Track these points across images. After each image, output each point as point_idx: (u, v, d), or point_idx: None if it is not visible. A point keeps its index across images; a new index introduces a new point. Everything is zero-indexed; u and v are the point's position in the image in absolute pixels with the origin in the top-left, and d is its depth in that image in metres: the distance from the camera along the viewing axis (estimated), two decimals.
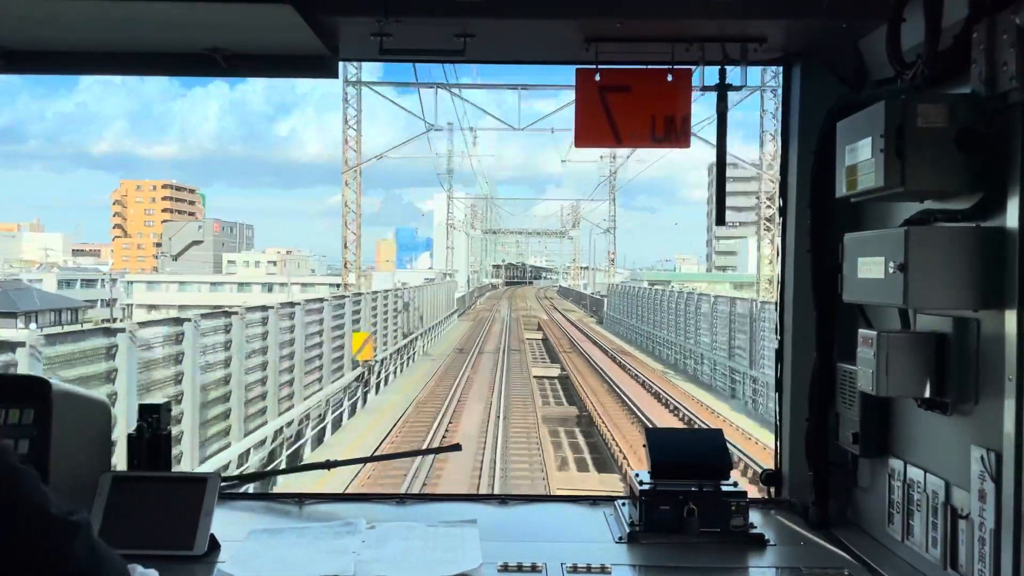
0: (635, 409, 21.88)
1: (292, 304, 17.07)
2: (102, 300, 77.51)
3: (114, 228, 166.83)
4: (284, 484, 11.92)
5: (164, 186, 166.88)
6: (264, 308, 15.22)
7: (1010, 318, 1.81)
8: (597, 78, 2.72)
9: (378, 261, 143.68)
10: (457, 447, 3.37)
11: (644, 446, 2.62)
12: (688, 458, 2.55)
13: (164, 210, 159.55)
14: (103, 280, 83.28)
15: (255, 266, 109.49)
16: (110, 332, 10.10)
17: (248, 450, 13.86)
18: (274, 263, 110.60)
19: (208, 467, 11.72)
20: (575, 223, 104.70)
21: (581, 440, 21.06)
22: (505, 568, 2.20)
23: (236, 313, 13.64)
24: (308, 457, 17.37)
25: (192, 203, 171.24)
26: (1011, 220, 1.82)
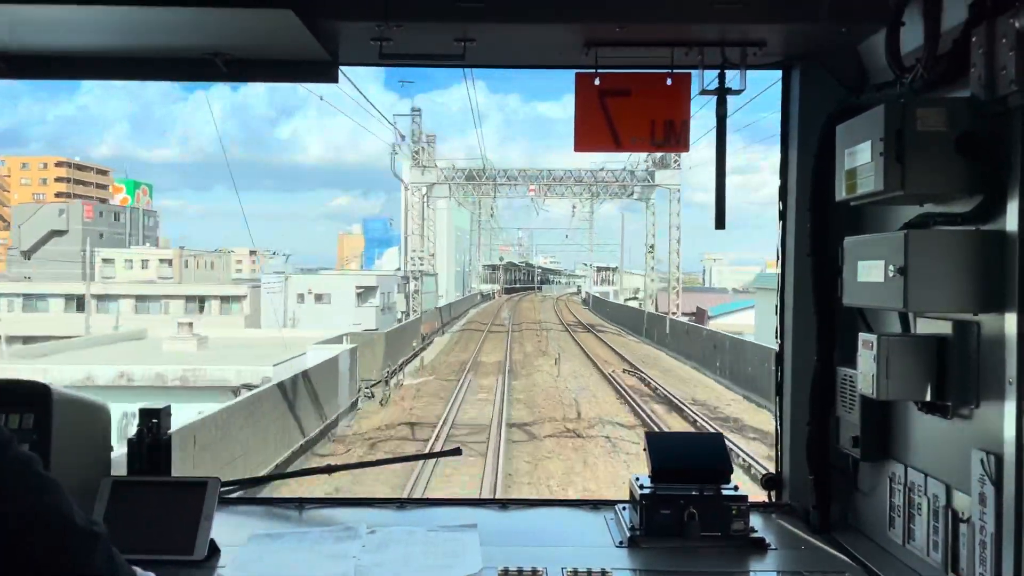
0: None
1: None
2: None
3: None
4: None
5: (59, 163, 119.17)
6: None
7: (1010, 321, 1.81)
8: (597, 82, 2.73)
9: (339, 259, 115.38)
10: (457, 451, 3.38)
11: (644, 450, 2.62)
12: (689, 462, 2.54)
13: (59, 194, 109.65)
14: None
15: (142, 267, 77.38)
16: None
17: None
18: (169, 262, 78.06)
19: None
20: (676, 159, 42.67)
21: None
22: (505, 573, 2.20)
23: None
24: None
25: (103, 187, 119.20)
26: (1011, 223, 1.82)
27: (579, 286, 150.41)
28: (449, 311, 60.68)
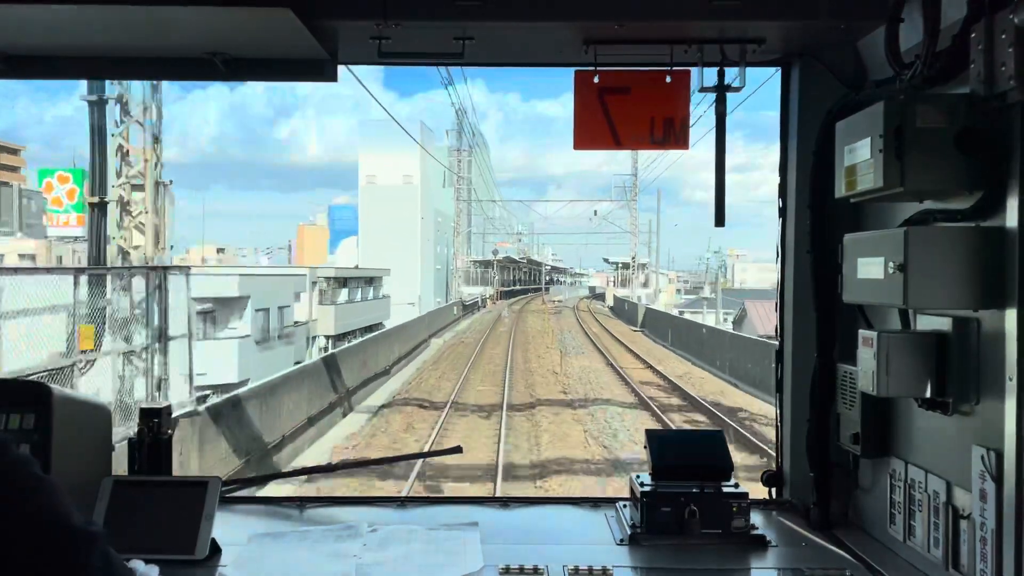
0: None
1: None
2: None
3: None
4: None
5: None
6: None
7: (1010, 317, 1.81)
8: (596, 80, 2.73)
9: (300, 253, 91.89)
10: (458, 449, 3.38)
11: (644, 447, 2.62)
12: (689, 459, 2.55)
13: None
14: None
15: None
16: None
17: None
18: (32, 259, 52.82)
19: None
20: None
21: None
22: (507, 571, 2.20)
23: None
24: None
25: (13, 169, 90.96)
26: (1010, 219, 1.82)
27: (592, 287, 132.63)
28: (335, 376, 21.66)
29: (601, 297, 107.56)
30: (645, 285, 68.29)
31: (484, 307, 78.67)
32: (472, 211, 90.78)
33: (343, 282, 39.03)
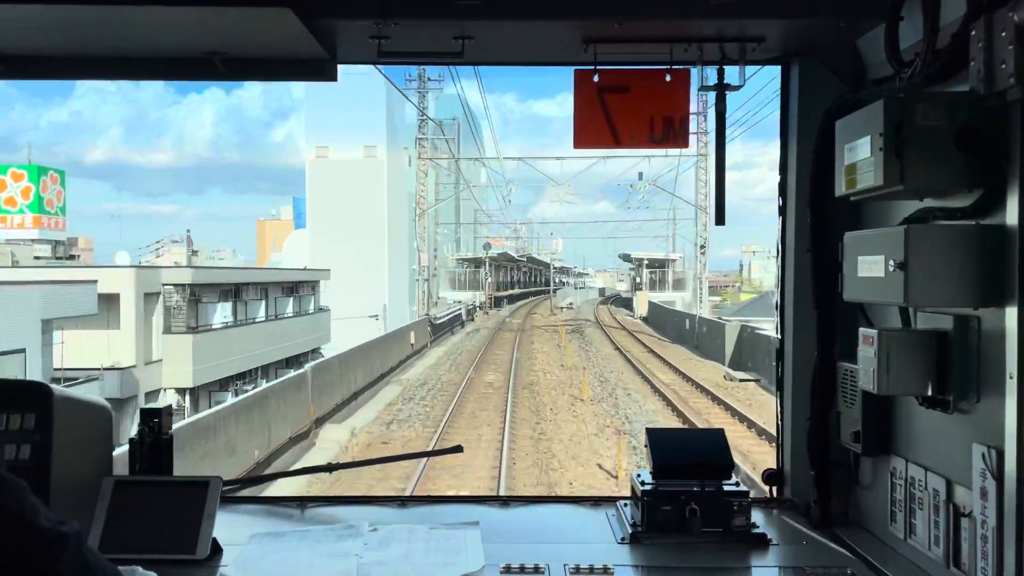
0: None
1: None
2: None
3: None
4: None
5: None
6: None
7: (1011, 315, 1.81)
8: (595, 79, 2.73)
9: (260, 250, 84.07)
10: (459, 448, 3.38)
11: (645, 446, 2.62)
12: (690, 458, 2.55)
13: None
14: None
15: None
16: None
17: None
18: None
19: None
20: None
21: None
22: (508, 570, 2.20)
23: None
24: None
25: None
26: (1011, 217, 1.82)
27: (601, 288, 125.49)
28: None
29: (618, 301, 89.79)
30: (675, 287, 52.81)
31: (471, 321, 54.10)
32: (461, 199, 68.60)
33: (231, 292, 23.38)
